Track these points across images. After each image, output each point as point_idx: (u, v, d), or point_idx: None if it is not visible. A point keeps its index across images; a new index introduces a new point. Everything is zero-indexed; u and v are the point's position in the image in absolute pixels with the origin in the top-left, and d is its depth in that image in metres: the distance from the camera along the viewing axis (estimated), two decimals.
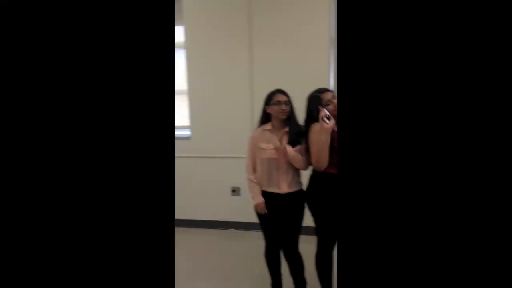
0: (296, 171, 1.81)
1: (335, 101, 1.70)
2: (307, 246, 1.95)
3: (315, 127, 1.68)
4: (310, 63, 2.94)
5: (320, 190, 1.72)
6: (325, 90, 1.74)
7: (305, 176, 1.83)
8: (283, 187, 1.76)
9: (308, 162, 1.74)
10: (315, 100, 1.72)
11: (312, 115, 1.70)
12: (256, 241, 1.91)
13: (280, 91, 1.75)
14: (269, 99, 1.75)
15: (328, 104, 1.69)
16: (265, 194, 1.79)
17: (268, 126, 1.77)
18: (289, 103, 1.73)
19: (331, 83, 3.00)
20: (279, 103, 1.70)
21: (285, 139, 1.73)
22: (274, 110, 1.71)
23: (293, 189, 1.77)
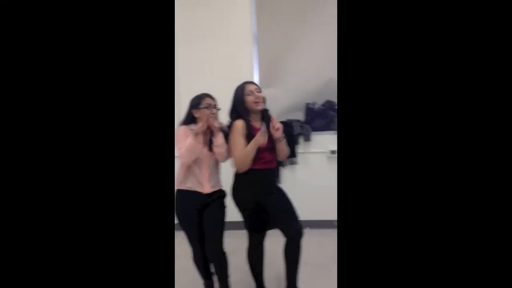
0: (217, 171, 1.84)
1: (258, 94, 1.76)
2: (235, 241, 1.99)
3: (237, 124, 1.73)
4: (235, 60, 2.98)
5: (247, 186, 1.77)
6: (251, 82, 1.81)
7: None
8: (206, 187, 1.77)
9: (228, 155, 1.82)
10: (239, 90, 1.79)
11: (236, 108, 1.75)
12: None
13: (208, 95, 1.78)
14: (198, 103, 1.76)
15: (249, 94, 1.75)
16: (185, 192, 1.77)
17: (193, 126, 1.77)
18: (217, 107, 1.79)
19: (256, 80, 3.08)
20: (209, 106, 1.73)
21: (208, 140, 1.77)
22: (205, 114, 1.72)
23: (215, 188, 1.80)
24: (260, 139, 1.66)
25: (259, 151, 1.73)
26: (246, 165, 1.71)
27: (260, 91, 1.78)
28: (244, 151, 1.69)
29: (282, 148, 1.82)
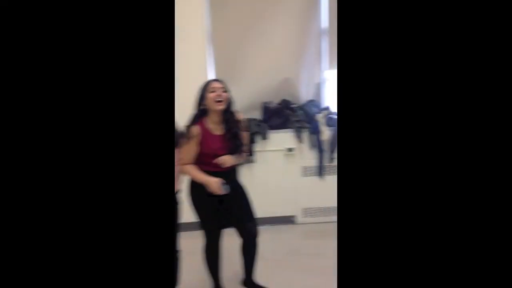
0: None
1: (221, 92, 1.73)
2: (191, 242, 1.96)
3: (192, 130, 1.74)
4: (189, 59, 2.92)
5: (202, 186, 1.75)
6: (217, 80, 1.80)
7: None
8: None
9: None
10: (203, 86, 1.77)
11: (197, 105, 1.77)
12: None
13: None
14: None
15: (212, 91, 1.73)
16: None
17: None
18: None
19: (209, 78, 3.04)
20: None
21: None
22: None
23: None
24: (213, 187, 1.69)
25: (214, 156, 1.71)
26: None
27: (225, 91, 1.74)
28: (190, 172, 1.73)
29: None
